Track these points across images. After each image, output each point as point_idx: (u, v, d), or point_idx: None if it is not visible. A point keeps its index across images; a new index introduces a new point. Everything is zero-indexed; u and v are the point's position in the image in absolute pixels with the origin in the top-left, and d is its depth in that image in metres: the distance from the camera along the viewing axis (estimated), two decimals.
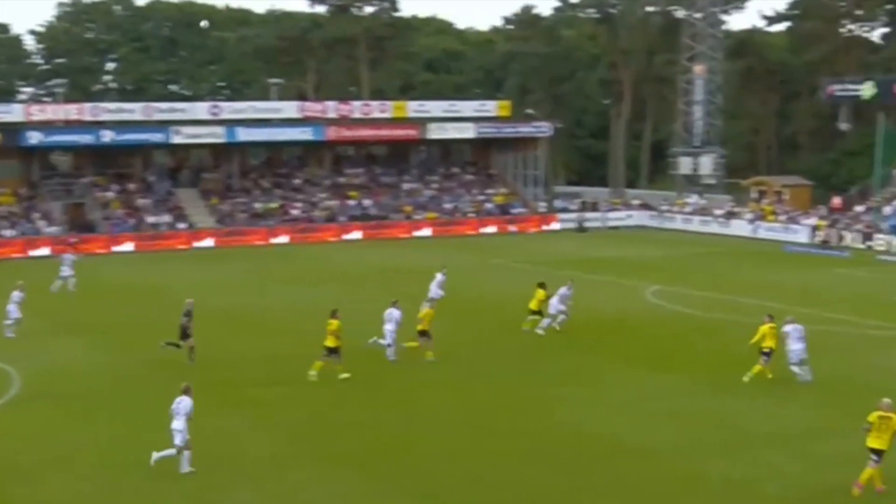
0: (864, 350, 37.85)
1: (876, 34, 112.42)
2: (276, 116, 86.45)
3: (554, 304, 40.84)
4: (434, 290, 45.94)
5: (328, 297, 49.09)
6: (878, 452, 22.83)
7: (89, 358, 36.98)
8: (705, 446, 26.18)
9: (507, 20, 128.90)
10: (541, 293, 41.04)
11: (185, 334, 35.23)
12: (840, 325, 39.07)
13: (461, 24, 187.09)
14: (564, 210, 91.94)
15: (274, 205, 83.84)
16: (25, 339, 39.99)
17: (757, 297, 47.15)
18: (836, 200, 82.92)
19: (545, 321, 40.27)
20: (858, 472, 23.19)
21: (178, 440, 24.04)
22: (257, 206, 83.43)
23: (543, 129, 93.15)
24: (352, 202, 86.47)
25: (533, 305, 40.83)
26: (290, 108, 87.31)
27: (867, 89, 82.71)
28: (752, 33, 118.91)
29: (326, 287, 53.75)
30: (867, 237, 74.05)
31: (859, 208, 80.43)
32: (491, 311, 46.06)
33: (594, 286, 52.70)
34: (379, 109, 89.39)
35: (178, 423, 24.13)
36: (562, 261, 65.06)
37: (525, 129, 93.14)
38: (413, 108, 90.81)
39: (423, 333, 35.27)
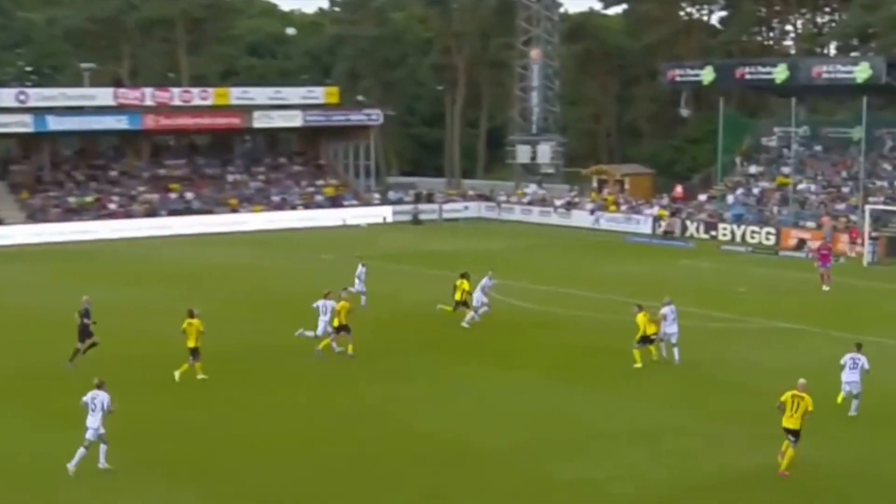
0: (710, 343, 38.75)
1: (715, 18, 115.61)
2: (89, 104, 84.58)
3: (477, 297, 41.66)
4: (358, 285, 46.66)
5: (149, 297, 48.43)
6: (793, 433, 24.15)
7: None
8: (553, 446, 26.48)
9: (335, 2, 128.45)
10: (464, 284, 41.86)
11: (86, 334, 34.76)
12: (684, 317, 39.83)
13: (286, 5, 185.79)
14: (399, 202, 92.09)
15: (89, 199, 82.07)
16: None
17: (599, 291, 48.00)
18: (679, 189, 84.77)
19: (470, 314, 41.14)
20: (711, 468, 23.84)
21: (90, 435, 24.10)
22: (71, 200, 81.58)
23: (374, 116, 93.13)
24: (173, 195, 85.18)
25: (457, 297, 41.74)
26: (104, 95, 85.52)
27: (707, 74, 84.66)
28: (589, 16, 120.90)
29: (146, 287, 52.85)
30: (710, 227, 75.89)
31: (702, 197, 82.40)
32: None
33: (431, 281, 52.92)
34: (200, 96, 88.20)
35: (93, 420, 24.14)
36: (397, 255, 65.23)
37: (355, 117, 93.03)
38: (236, 94, 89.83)
39: (342, 328, 35.53)
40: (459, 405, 30.19)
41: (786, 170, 79.72)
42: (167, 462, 25.29)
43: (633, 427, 27.97)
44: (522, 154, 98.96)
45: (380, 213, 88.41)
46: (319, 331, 36.58)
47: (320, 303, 36.95)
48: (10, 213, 79.25)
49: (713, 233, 75.36)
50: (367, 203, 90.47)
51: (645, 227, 79.37)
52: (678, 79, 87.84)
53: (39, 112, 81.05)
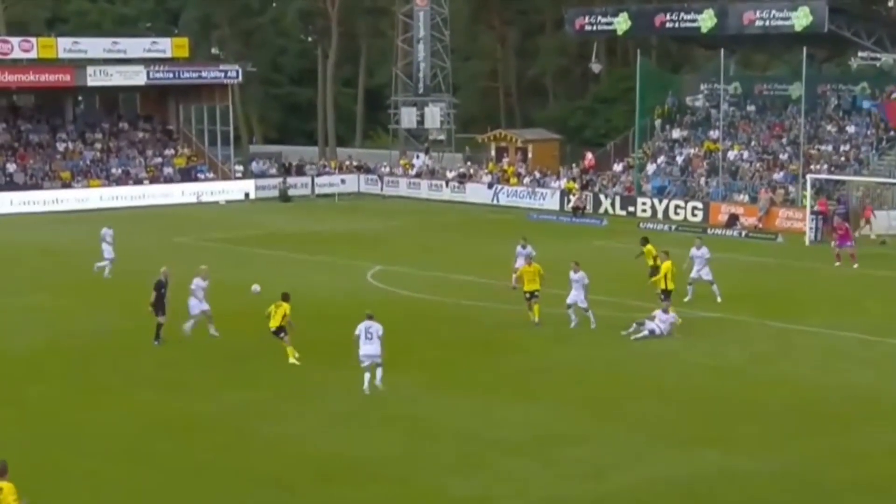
0: (618, 337, 39.58)
1: None
2: None
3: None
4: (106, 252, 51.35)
5: None
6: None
7: None
8: (440, 458, 26.83)
9: None
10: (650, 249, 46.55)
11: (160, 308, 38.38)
12: (596, 306, 40.67)
13: None
14: (263, 175, 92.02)
15: None
16: None
17: (496, 277, 48.55)
18: (590, 158, 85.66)
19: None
20: (616, 479, 24.70)
21: (367, 361, 31.89)
22: None
23: (232, 73, 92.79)
24: None
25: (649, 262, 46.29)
26: None
27: (621, 22, 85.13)
28: None
29: None
30: (628, 202, 77.03)
31: (617, 167, 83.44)
32: (175, 300, 45.93)
33: (303, 267, 53.25)
34: (20, 48, 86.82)
35: (371, 348, 31.85)
36: (263, 237, 65.38)
37: (209, 74, 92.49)
38: (65, 46, 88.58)
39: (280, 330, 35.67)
40: (335, 415, 30.44)
41: (714, 134, 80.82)
42: None
43: (531, 436, 28.45)
44: (407, 118, 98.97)
45: (241, 189, 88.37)
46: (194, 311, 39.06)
47: (194, 282, 39.17)
48: None
49: (631, 208, 76.50)
50: (226, 176, 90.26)
51: (552, 202, 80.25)
52: (588, 28, 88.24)
53: None
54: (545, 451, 27.37)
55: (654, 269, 44.17)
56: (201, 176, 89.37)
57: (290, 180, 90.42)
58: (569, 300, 40.23)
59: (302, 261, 55.84)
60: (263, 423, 29.67)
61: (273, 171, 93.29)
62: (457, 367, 35.43)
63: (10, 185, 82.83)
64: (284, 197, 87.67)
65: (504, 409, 30.89)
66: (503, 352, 37.54)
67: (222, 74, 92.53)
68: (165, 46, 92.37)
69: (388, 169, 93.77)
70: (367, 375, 31.58)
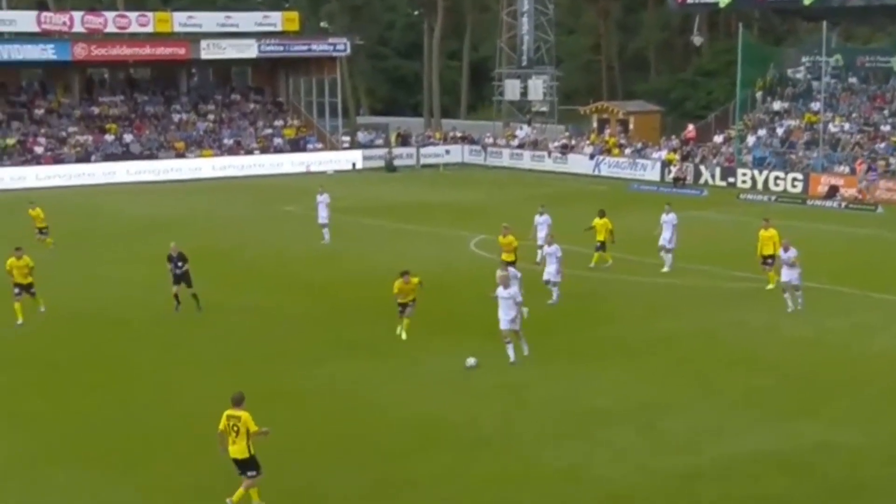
0: (725, 307, 38.79)
1: None
2: (8, 30, 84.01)
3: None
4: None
5: (82, 258, 48.31)
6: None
7: None
8: (538, 425, 26.44)
9: None
10: (605, 222, 44.67)
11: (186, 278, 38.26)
12: (694, 276, 39.98)
13: None
14: (370, 145, 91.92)
15: (11, 141, 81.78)
16: None
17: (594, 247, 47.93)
18: (691, 129, 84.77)
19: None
20: (712, 451, 23.97)
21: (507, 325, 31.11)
22: None
23: (341, 46, 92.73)
24: (109, 137, 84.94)
25: (600, 237, 44.96)
26: (25, 20, 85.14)
27: None
28: None
29: (78, 246, 52.76)
30: (728, 173, 75.98)
31: (718, 139, 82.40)
32: (280, 270, 45.82)
33: (407, 236, 52.90)
34: (138, 22, 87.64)
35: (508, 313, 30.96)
36: (368, 207, 65.16)
37: (319, 48, 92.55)
38: (180, 20, 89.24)
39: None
40: (433, 382, 30.13)
41: (815, 106, 79.52)
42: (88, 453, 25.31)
43: (628, 406, 27.91)
44: (511, 90, 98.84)
45: (348, 159, 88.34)
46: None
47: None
48: None
49: (731, 179, 75.49)
50: (334, 147, 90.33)
51: (652, 173, 79.42)
52: (690, 1, 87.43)
53: None
54: (642, 420, 26.79)
55: (602, 245, 44.86)
56: (310, 146, 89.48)
57: (396, 151, 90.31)
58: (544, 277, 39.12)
59: (406, 230, 55.52)
60: (369, 390, 29.36)
61: (379, 141, 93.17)
62: (555, 336, 34.84)
63: (127, 155, 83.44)
64: (390, 167, 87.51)
65: (602, 378, 30.33)
66: (600, 322, 36.91)
67: (331, 48, 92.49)
68: (276, 20, 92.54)
69: (491, 140, 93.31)
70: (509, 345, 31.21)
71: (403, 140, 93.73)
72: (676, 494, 22.51)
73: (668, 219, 44.94)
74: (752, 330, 35.72)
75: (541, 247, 43.38)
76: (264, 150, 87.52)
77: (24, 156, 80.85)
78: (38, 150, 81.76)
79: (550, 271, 38.85)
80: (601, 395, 28.72)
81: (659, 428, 26.31)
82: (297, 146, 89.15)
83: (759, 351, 33.21)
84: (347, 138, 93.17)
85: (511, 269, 32.97)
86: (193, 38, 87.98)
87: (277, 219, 60.80)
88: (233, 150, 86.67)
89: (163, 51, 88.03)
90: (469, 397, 28.71)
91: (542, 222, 45.63)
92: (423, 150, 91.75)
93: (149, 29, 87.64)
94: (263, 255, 49.80)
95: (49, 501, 22.46)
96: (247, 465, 20.68)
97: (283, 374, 30.69)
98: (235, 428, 20.73)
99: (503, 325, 31.06)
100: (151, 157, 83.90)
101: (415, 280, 33.62)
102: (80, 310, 38.84)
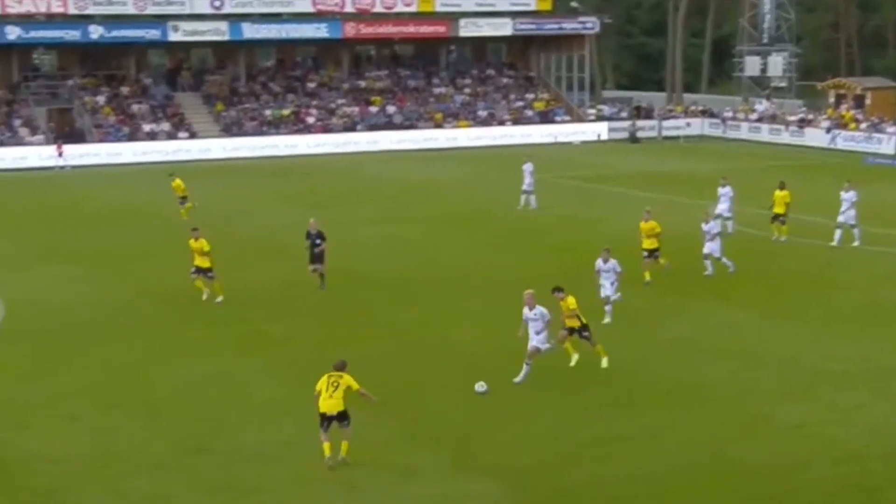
0: None
1: None
2: (286, 11, 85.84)
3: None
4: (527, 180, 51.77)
5: (344, 218, 49.11)
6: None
7: (78, 289, 37.09)
8: (768, 385, 25.94)
9: None
10: (784, 194, 42.95)
11: (319, 257, 35.83)
12: None
13: None
14: (614, 118, 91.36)
15: (286, 112, 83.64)
16: (7, 267, 40.33)
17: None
18: None
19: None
20: None
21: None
22: (267, 112, 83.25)
23: (590, 25, 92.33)
24: (374, 109, 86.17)
25: (778, 209, 42.96)
26: (302, 2, 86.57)
27: None
28: None
29: (341, 207, 53.64)
30: None
31: None
32: (530, 235, 45.85)
33: (646, 204, 52.35)
34: (403, 3, 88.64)
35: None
36: (611, 175, 64.81)
37: (569, 26, 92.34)
38: (442, 0, 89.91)
39: None
40: (673, 342, 29.76)
41: None
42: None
43: (860, 369, 27.14)
44: (751, 66, 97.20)
45: (594, 130, 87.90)
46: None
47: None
48: (205, 125, 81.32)
49: None
50: (581, 119, 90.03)
51: (888, 146, 76.97)
52: None
53: (235, 19, 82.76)
54: (875, 383, 26.00)
55: (777, 216, 43.15)
56: (558, 118, 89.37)
57: (639, 123, 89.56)
58: (705, 251, 36.93)
59: (646, 198, 54.89)
60: (618, 346, 28.98)
61: (623, 114, 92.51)
62: (786, 301, 34.11)
63: (390, 125, 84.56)
64: (633, 138, 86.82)
65: (833, 342, 29.57)
66: (832, 288, 36.00)
67: (581, 26, 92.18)
68: (530, 0, 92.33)
69: (731, 113, 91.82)
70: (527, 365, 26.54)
71: (646, 113, 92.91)
72: None
73: (848, 196, 43.33)
74: None
75: (727, 219, 43.08)
76: (515, 122, 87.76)
77: (297, 125, 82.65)
78: (310, 120, 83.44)
79: (712, 247, 37.11)
80: (830, 358, 28.00)
81: (893, 391, 25.51)
82: (545, 118, 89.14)
83: None
84: (593, 111, 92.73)
85: (540, 310, 26.10)
86: (453, 18, 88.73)
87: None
88: (486, 122, 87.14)
89: (425, 29, 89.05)
90: (700, 357, 28.33)
91: (724, 194, 44.51)
92: (664, 123, 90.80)
93: (413, 9, 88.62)
94: (512, 220, 49.95)
95: None
96: (342, 417, 21.12)
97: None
98: (335, 384, 21.19)
99: (531, 343, 26.07)
100: (412, 127, 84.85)
101: (570, 300, 27.21)
102: (340, 265, 39.50)
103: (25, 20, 78.35)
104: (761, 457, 21.62)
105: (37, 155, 73.52)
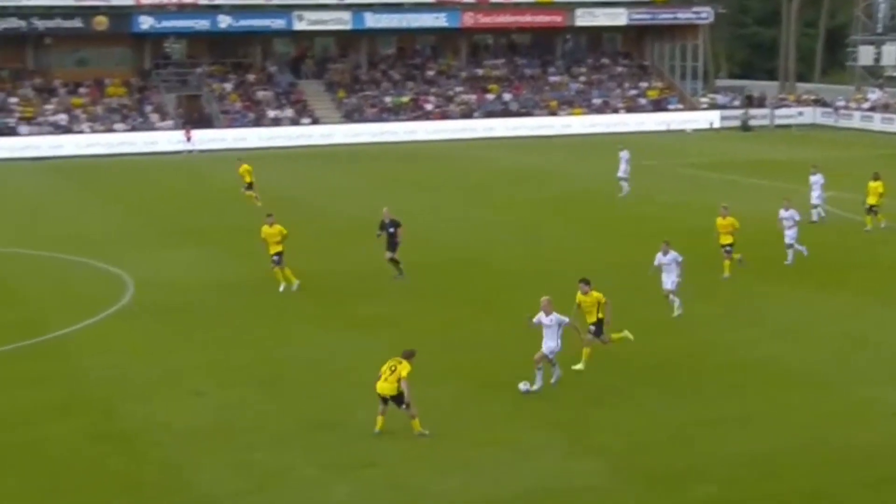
0: None
1: None
2: (407, 0, 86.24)
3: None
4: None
5: (451, 203, 49.36)
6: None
7: (201, 268, 37.81)
8: (877, 370, 25.70)
9: None
10: (876, 185, 42.04)
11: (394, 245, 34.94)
12: None
13: None
14: (727, 106, 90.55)
15: (405, 99, 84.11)
16: (137, 247, 41.17)
17: None
18: None
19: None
20: None
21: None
22: (387, 99, 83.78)
23: (704, 14, 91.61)
24: (490, 96, 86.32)
25: (871, 200, 42.01)
26: None
27: None
28: None
29: (452, 192, 53.94)
30: None
31: None
32: (643, 223, 45.67)
33: (757, 192, 51.91)
34: None
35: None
36: (723, 163, 64.31)
37: (683, 16, 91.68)
38: None
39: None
40: (780, 328, 29.53)
41: None
42: (468, 371, 25.87)
43: None
44: (865, 56, 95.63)
45: (706, 118, 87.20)
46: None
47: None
48: (327, 112, 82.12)
49: None
50: (693, 107, 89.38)
51: None
52: None
53: (357, 9, 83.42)
54: None
55: (871, 208, 41.97)
56: (671, 107, 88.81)
57: (752, 111, 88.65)
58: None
59: (757, 185, 54.49)
60: (720, 331, 29.16)
61: (736, 102, 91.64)
62: (890, 287, 33.64)
63: (506, 112, 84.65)
64: (745, 126, 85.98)
65: None
66: None
67: (695, 16, 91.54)
68: None
69: (843, 103, 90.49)
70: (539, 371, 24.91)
71: (758, 102, 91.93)
72: None
73: (816, 179, 43.73)
74: None
75: (815, 206, 43.10)
76: (629, 110, 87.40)
77: (415, 112, 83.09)
78: (428, 107, 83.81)
79: (790, 235, 36.34)
80: None
81: None
82: (659, 106, 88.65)
83: None
84: (706, 100, 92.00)
85: (556, 316, 24.50)
86: (569, 7, 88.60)
87: (638, 172, 60.46)
88: (600, 109, 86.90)
89: (541, 18, 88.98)
90: (808, 341, 28.13)
91: (815, 182, 43.97)
92: (777, 112, 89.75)
93: None
94: (624, 205, 49.83)
95: None
96: (397, 400, 21.53)
97: (635, 310, 30.20)
98: (392, 368, 21.59)
99: (543, 349, 24.38)
100: (527, 114, 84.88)
101: (595, 294, 26.07)
102: (449, 250, 39.67)
103: (158, 10, 79.72)
104: (867, 440, 21.43)
105: (166, 140, 75.02)
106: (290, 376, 25.81)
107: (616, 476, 20.03)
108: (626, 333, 26.82)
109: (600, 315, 25.92)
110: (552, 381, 24.45)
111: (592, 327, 25.86)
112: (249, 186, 50.29)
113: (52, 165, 67.92)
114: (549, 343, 24.37)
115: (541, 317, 24.57)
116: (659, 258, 30.21)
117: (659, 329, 28.92)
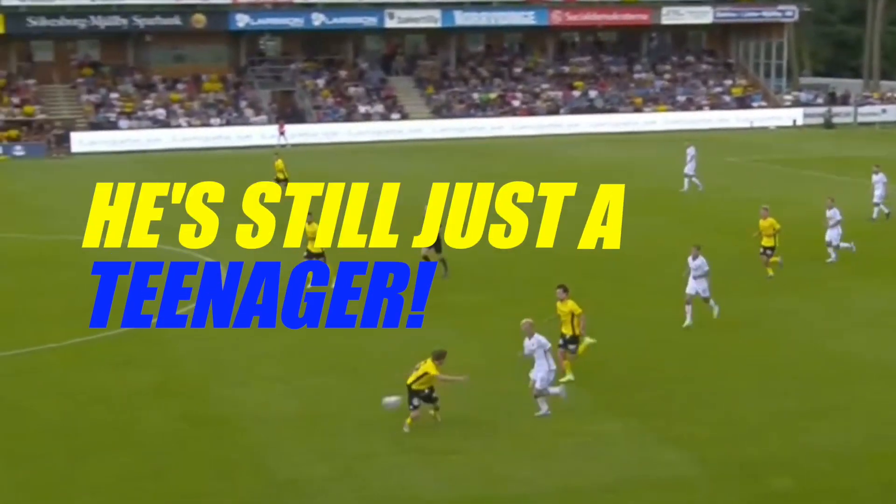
0: None
1: None
2: None
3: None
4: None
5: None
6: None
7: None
8: None
9: None
10: None
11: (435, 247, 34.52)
12: None
13: None
14: (810, 104, 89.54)
15: (493, 95, 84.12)
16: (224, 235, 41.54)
17: None
18: None
19: None
20: None
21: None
22: (475, 96, 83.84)
23: (789, 13, 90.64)
24: (576, 93, 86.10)
25: None
26: None
27: None
28: None
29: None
30: None
31: None
32: (722, 217, 45.34)
33: (840, 189, 51.30)
34: None
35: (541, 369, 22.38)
36: (806, 160, 63.62)
37: (768, 14, 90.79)
38: None
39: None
40: (858, 320, 29.28)
41: None
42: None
43: None
44: None
45: (789, 116, 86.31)
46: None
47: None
48: (416, 108, 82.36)
49: None
50: (777, 105, 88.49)
51: None
52: None
53: (447, 7, 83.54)
54: None
55: None
56: (754, 104, 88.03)
57: (836, 109, 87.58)
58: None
59: (841, 182, 53.86)
60: (797, 324, 29.02)
61: (820, 100, 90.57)
62: None
63: (591, 109, 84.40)
64: (828, 124, 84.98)
65: None
66: None
67: (780, 14, 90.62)
68: None
69: None
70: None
71: (842, 99, 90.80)
72: None
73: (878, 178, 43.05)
74: None
75: (877, 205, 42.70)
76: (713, 107, 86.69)
77: (502, 108, 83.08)
78: (515, 103, 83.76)
79: (832, 235, 35.63)
80: None
81: None
82: (742, 104, 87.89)
83: None
84: (790, 97, 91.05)
85: (538, 339, 22.14)
86: (655, 6, 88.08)
87: (720, 168, 60.11)
88: (684, 107, 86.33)
89: (628, 17, 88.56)
90: (884, 335, 27.79)
91: (877, 181, 43.30)
92: (860, 109, 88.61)
93: None
94: (701, 200, 49.49)
95: None
96: (427, 398, 21.66)
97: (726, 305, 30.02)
98: (417, 367, 21.69)
99: (537, 384, 22.08)
100: (612, 111, 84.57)
101: (570, 303, 24.48)
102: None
103: (254, 8, 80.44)
104: None
105: (260, 134, 75.68)
106: (376, 363, 25.88)
107: (695, 467, 19.94)
108: (589, 340, 25.21)
109: (577, 331, 24.33)
110: (537, 414, 22.09)
111: (561, 341, 24.17)
112: (281, 181, 51.62)
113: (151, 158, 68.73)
114: (538, 372, 22.07)
115: (525, 343, 22.49)
116: (689, 262, 28.60)
117: (736, 321, 28.73)
